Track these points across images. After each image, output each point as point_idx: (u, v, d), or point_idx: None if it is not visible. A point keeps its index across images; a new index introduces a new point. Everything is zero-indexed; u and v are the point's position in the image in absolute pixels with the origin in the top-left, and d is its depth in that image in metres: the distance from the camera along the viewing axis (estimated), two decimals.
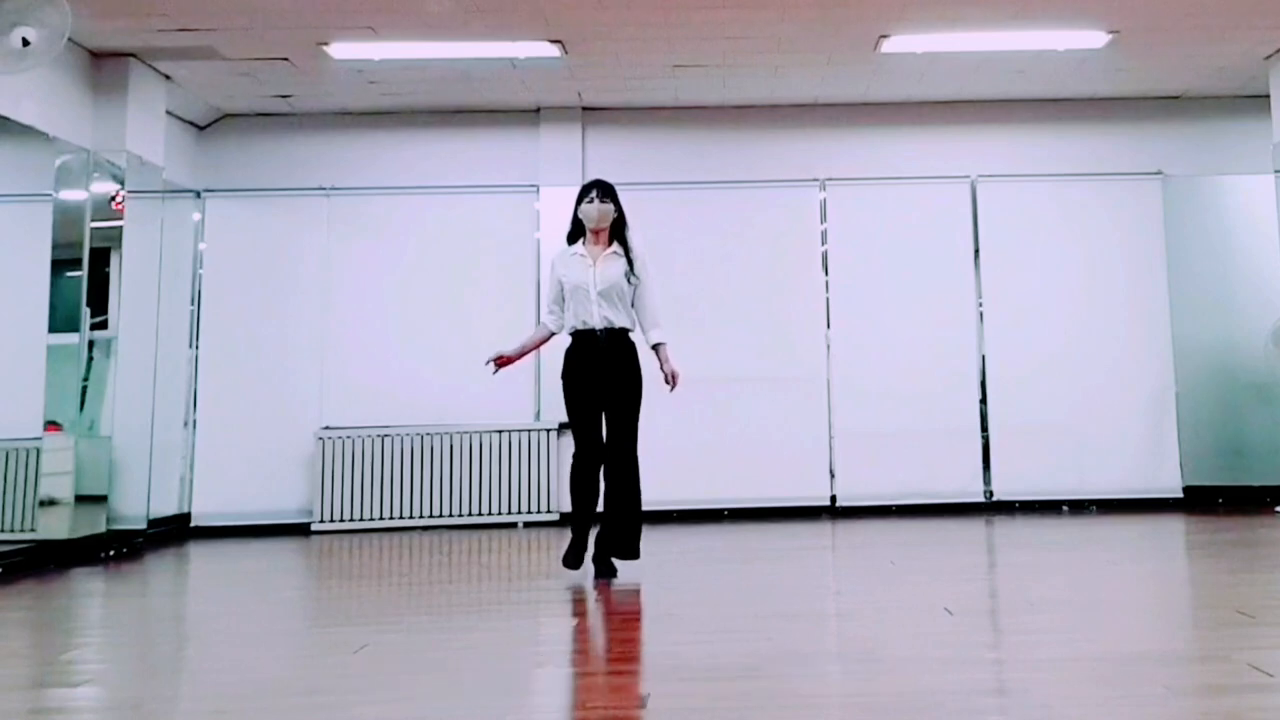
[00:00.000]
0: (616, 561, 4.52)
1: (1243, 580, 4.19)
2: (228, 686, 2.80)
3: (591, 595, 4.26)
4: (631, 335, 4.53)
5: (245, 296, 6.87)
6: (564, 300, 4.52)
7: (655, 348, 4.53)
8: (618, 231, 4.54)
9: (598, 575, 4.45)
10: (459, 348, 6.82)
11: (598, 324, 4.43)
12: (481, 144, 7.18)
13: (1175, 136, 7.18)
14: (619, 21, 5.65)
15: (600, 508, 4.54)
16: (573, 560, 4.51)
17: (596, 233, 4.52)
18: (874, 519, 6.51)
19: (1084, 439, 6.78)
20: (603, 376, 4.43)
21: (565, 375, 4.51)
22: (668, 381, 4.56)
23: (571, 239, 4.60)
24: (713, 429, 6.67)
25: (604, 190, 4.53)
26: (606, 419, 4.47)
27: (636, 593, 4.28)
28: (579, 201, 4.55)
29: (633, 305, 4.51)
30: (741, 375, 6.78)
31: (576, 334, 4.49)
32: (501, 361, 4.59)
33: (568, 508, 6.37)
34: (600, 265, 4.47)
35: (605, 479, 4.49)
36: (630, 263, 4.49)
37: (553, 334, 4.63)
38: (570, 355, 4.52)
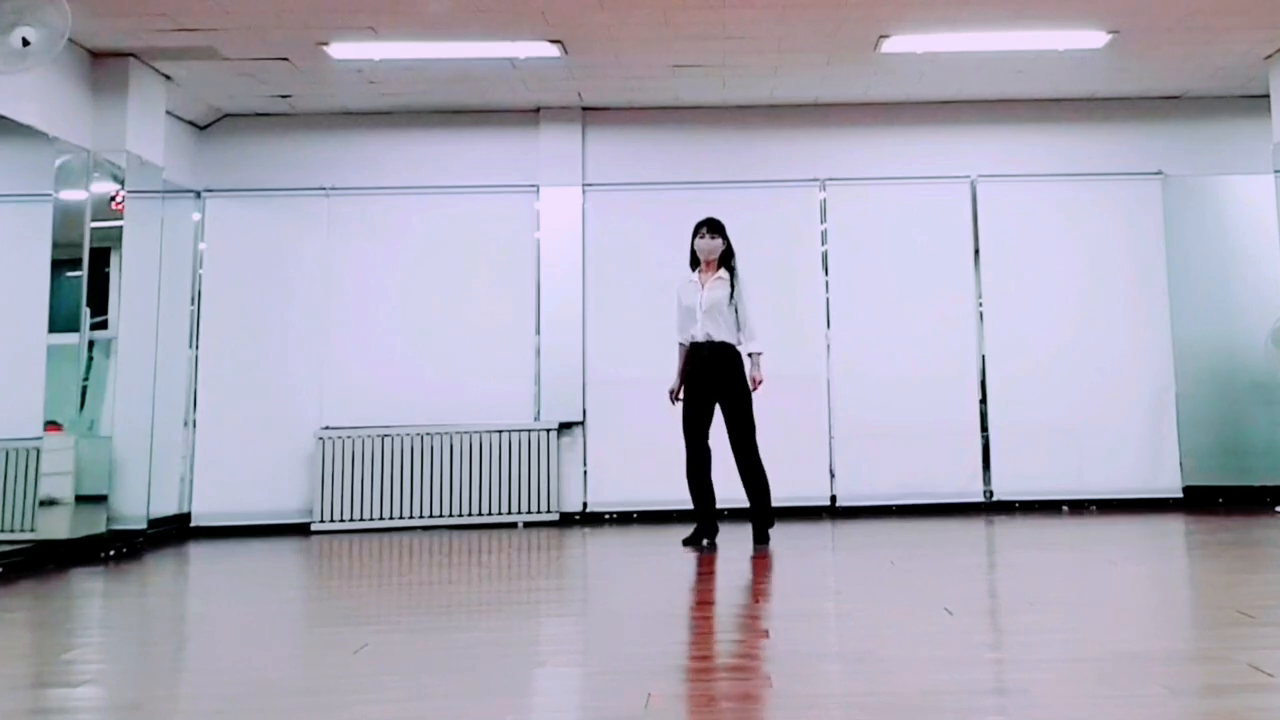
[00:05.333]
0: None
1: (1243, 580, 4.19)
2: (228, 686, 2.80)
3: (590, 594, 4.26)
4: (734, 346, 5.33)
5: (245, 296, 6.88)
6: None
7: (749, 356, 5.36)
8: (725, 260, 5.41)
9: (757, 543, 5.32)
10: (459, 348, 6.85)
11: (700, 337, 5.32)
12: (481, 144, 7.17)
13: (1175, 136, 7.17)
14: (619, 21, 5.65)
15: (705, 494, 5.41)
16: (694, 540, 5.34)
17: (708, 262, 5.39)
18: (874, 519, 6.51)
19: (1084, 439, 6.78)
20: (708, 381, 5.30)
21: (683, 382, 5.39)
22: (751, 384, 5.32)
23: (692, 266, 5.48)
24: (712, 429, 6.65)
25: (712, 228, 5.43)
26: (725, 419, 5.31)
27: (636, 593, 4.29)
28: (694, 236, 5.45)
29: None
30: None
31: (690, 346, 5.37)
32: (679, 393, 5.40)
33: (568, 508, 6.78)
34: (707, 289, 5.35)
35: (739, 471, 5.32)
36: (733, 287, 5.34)
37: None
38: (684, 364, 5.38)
